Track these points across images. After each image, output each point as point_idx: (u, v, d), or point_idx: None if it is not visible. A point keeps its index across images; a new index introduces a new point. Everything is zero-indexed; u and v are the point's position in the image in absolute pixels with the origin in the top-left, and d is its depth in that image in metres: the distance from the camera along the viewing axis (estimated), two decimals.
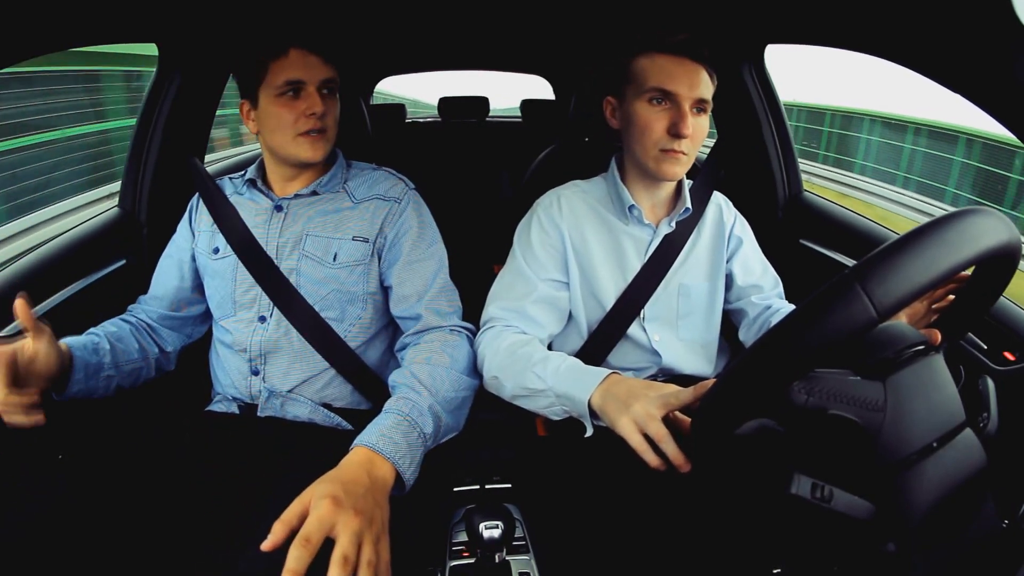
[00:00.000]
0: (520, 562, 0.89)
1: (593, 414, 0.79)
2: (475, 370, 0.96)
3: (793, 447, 0.56)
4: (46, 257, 1.12)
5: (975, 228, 0.49)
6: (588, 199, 1.06)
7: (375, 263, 1.05)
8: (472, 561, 0.88)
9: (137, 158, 1.31)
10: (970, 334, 0.97)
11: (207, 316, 1.12)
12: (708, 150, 1.58)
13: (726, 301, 1.11)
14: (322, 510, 0.62)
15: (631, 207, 1.03)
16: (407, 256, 1.04)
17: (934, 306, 0.83)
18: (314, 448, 0.95)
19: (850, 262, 1.23)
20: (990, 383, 0.62)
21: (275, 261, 1.03)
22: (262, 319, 1.02)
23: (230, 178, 1.12)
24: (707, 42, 0.95)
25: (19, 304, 0.77)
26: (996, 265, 0.56)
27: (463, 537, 0.90)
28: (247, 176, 1.09)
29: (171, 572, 0.83)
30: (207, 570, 0.81)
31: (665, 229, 1.05)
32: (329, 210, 1.05)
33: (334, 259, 1.03)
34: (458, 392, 0.90)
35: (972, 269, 0.60)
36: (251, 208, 1.07)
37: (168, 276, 1.09)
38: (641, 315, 1.04)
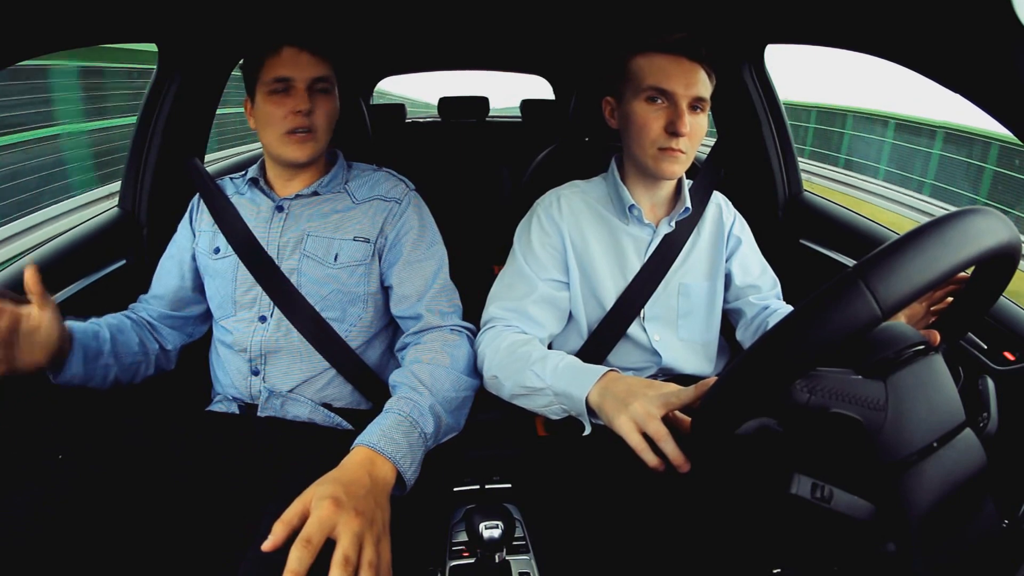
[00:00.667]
0: (520, 562, 0.89)
1: (592, 412, 0.79)
2: (475, 370, 0.96)
3: (793, 447, 0.56)
4: (46, 257, 1.12)
5: (976, 227, 0.49)
6: (588, 199, 1.06)
7: (376, 263, 1.05)
8: (472, 561, 0.88)
9: (137, 158, 1.31)
10: (970, 334, 0.97)
11: (207, 316, 1.12)
12: (708, 150, 1.58)
13: (724, 301, 1.11)
14: (323, 511, 0.62)
15: (631, 207, 1.03)
16: (407, 256, 1.04)
17: (933, 307, 0.83)
18: (314, 448, 0.95)
19: (850, 262, 1.23)
20: (990, 383, 0.62)
21: (276, 261, 1.03)
22: (262, 319, 1.02)
23: (231, 178, 1.12)
24: (707, 42, 0.95)
25: (29, 274, 0.77)
26: (996, 265, 0.56)
27: (463, 537, 0.90)
28: (248, 176, 1.09)
29: (171, 572, 0.83)
30: (207, 570, 0.82)
31: (665, 229, 1.05)
32: (330, 210, 1.05)
33: (335, 259, 1.03)
34: (458, 392, 0.90)
35: (972, 269, 0.60)
36: (252, 208, 1.07)
37: (169, 276, 1.09)
38: (641, 315, 1.04)
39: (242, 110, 1.06)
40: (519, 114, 3.20)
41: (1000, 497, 0.55)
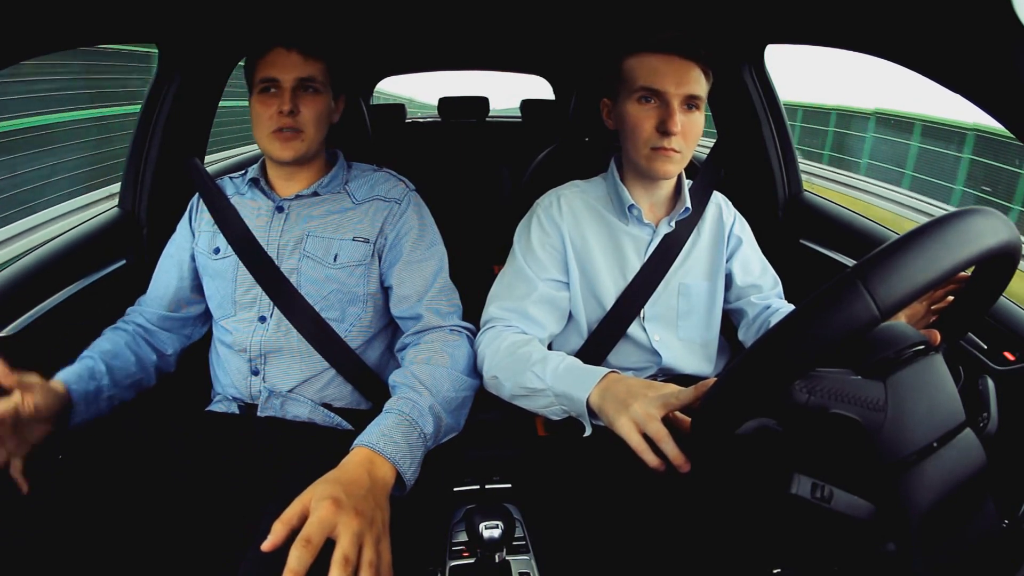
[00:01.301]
0: (520, 562, 0.88)
1: (592, 413, 0.79)
2: (475, 370, 0.96)
3: (793, 447, 0.56)
4: (46, 257, 1.12)
5: (976, 227, 0.49)
6: (588, 199, 1.06)
7: (375, 263, 1.05)
8: (472, 561, 0.88)
9: (137, 158, 1.31)
10: (970, 334, 0.97)
11: (206, 317, 1.12)
12: (708, 150, 1.58)
13: (725, 301, 1.11)
14: (323, 511, 0.62)
15: (631, 207, 1.03)
16: (407, 256, 1.04)
17: (933, 307, 0.83)
18: (314, 448, 0.95)
19: (850, 262, 1.23)
20: (990, 383, 0.62)
21: (276, 262, 1.03)
22: (262, 319, 1.02)
23: (231, 178, 1.12)
24: (706, 42, 0.95)
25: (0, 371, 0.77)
26: (996, 265, 0.56)
27: (463, 537, 0.90)
28: (249, 176, 1.09)
29: (172, 572, 0.83)
30: (207, 570, 0.82)
31: (665, 229, 1.05)
32: (330, 211, 1.05)
33: (335, 259, 1.03)
34: (458, 392, 0.90)
35: (972, 269, 0.60)
36: (252, 209, 1.07)
37: (168, 276, 1.09)
38: (641, 315, 1.04)
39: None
40: (519, 114, 3.20)
41: (1000, 497, 0.55)
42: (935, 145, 9.24)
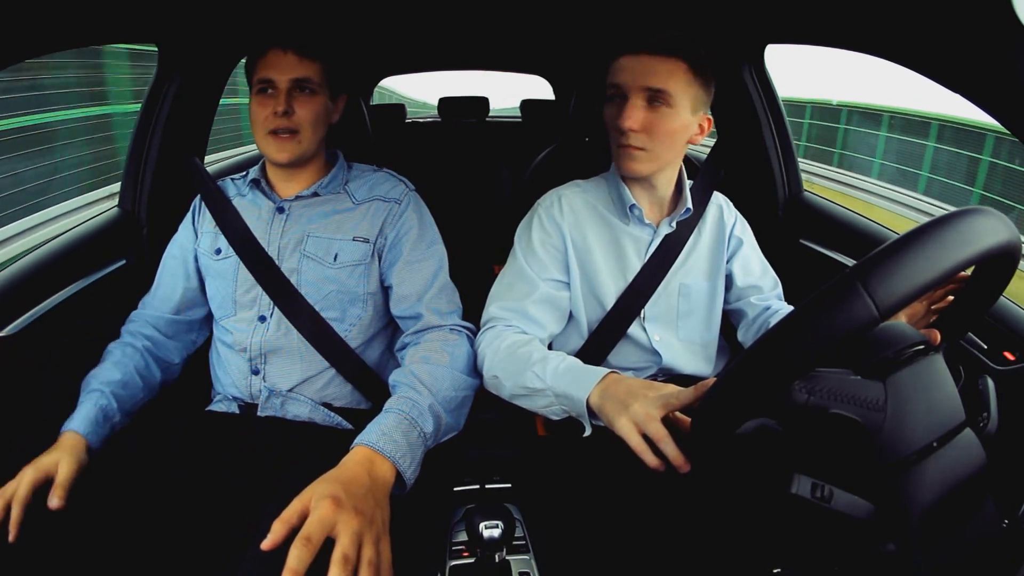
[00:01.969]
0: (520, 562, 0.88)
1: (592, 414, 0.79)
2: (475, 370, 0.96)
3: (793, 447, 0.56)
4: (46, 257, 1.12)
5: (976, 227, 0.49)
6: (589, 199, 1.06)
7: (375, 263, 1.05)
8: (472, 561, 0.88)
9: (137, 158, 1.31)
10: (970, 334, 0.97)
11: (210, 320, 1.12)
12: (708, 150, 1.58)
13: (725, 301, 1.11)
14: (323, 510, 0.62)
15: (632, 206, 1.03)
16: (407, 256, 1.04)
17: (933, 306, 0.83)
18: (314, 448, 0.95)
19: (850, 262, 1.23)
20: (990, 383, 0.62)
21: (276, 262, 1.03)
22: (262, 319, 1.02)
23: (232, 179, 1.12)
24: (706, 42, 0.94)
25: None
26: (996, 265, 0.56)
27: (463, 537, 0.90)
28: (250, 177, 1.09)
29: (172, 572, 0.83)
30: (207, 570, 0.81)
31: (665, 229, 1.05)
32: (330, 211, 1.05)
33: (335, 259, 1.03)
34: (458, 392, 0.90)
35: (972, 269, 0.60)
36: (253, 210, 1.07)
37: (174, 278, 1.09)
38: (641, 315, 1.04)
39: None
40: (519, 114, 3.20)
41: (1000, 497, 0.55)
42: (905, 136, 9.75)
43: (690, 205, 1.04)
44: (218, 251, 1.06)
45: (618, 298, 1.03)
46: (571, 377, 0.82)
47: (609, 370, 0.81)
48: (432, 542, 0.93)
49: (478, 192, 2.57)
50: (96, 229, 1.25)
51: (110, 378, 0.95)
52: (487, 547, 0.82)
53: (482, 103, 3.00)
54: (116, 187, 1.63)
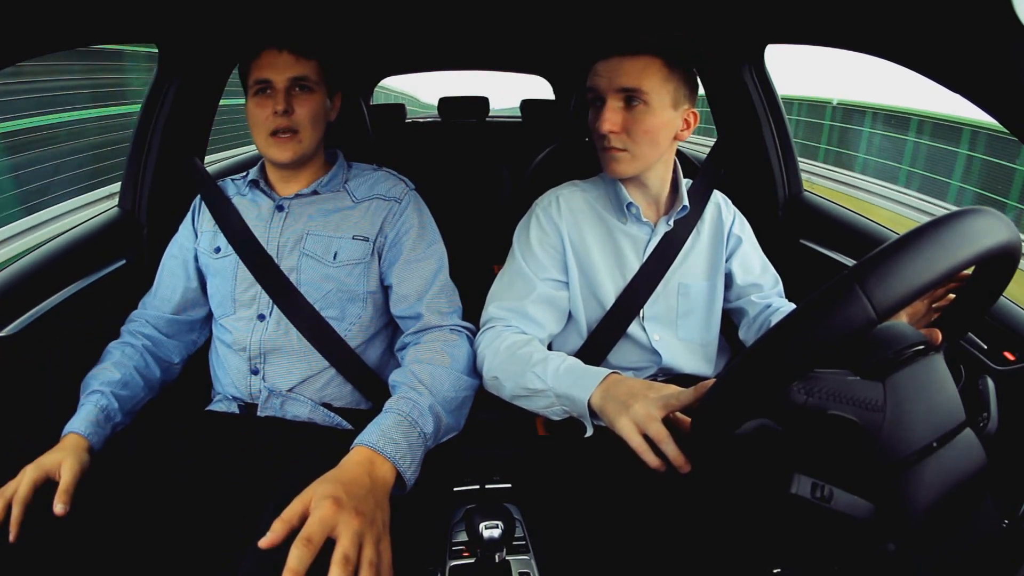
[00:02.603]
0: (520, 562, 0.88)
1: (593, 414, 0.79)
2: (475, 370, 0.96)
3: (793, 447, 0.56)
4: (46, 257, 1.12)
5: (975, 228, 0.49)
6: (587, 198, 1.06)
7: (375, 262, 1.05)
8: (472, 561, 0.88)
9: (137, 158, 1.31)
10: (970, 334, 0.96)
11: (209, 319, 1.12)
12: (707, 150, 1.58)
13: (726, 300, 1.11)
14: (324, 510, 0.62)
15: (629, 204, 1.03)
16: (407, 256, 1.04)
17: (934, 305, 0.83)
18: (314, 448, 0.95)
19: (850, 262, 1.23)
20: (990, 383, 0.62)
21: (276, 260, 1.03)
22: (261, 317, 1.02)
23: (232, 179, 1.13)
24: (706, 42, 0.94)
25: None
26: (996, 265, 0.56)
27: (463, 537, 0.90)
28: (249, 177, 1.09)
29: (172, 571, 0.83)
30: (208, 570, 0.82)
31: (664, 227, 1.05)
32: (329, 209, 1.05)
33: (334, 258, 1.03)
34: (458, 392, 0.90)
35: (972, 269, 0.60)
36: (253, 209, 1.07)
37: (175, 278, 1.09)
38: (641, 314, 1.04)
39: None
40: (519, 114, 3.20)
41: (1000, 497, 0.55)
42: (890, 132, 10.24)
43: (687, 202, 1.04)
44: (217, 249, 1.06)
45: (617, 298, 1.03)
46: (572, 378, 0.82)
47: (610, 371, 0.81)
48: (432, 542, 0.93)
49: (478, 192, 2.57)
50: (96, 229, 1.25)
51: (110, 378, 0.96)
52: (487, 547, 0.82)
53: (482, 103, 3.00)
54: None
